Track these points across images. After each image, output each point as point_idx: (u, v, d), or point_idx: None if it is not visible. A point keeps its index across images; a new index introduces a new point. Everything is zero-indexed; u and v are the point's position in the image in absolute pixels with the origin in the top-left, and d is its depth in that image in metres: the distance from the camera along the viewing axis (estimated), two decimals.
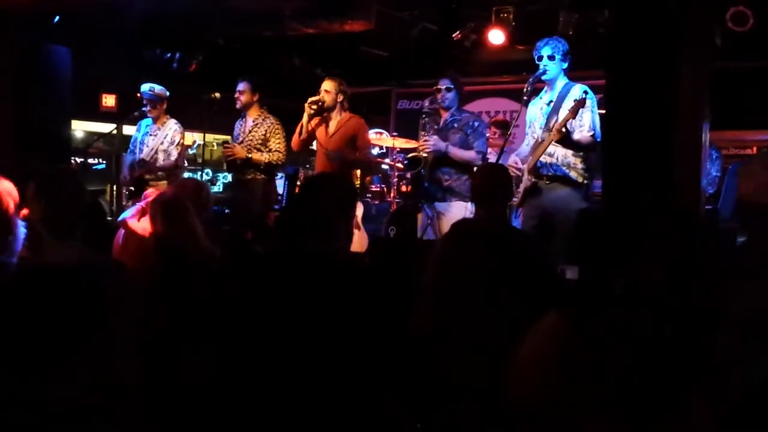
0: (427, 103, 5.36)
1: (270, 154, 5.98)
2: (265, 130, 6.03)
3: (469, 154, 5.13)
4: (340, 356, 2.46)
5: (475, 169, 5.04)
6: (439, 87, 5.25)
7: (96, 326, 1.46)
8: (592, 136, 4.64)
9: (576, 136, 4.61)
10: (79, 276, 1.51)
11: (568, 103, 4.70)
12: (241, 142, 6.08)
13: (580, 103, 4.51)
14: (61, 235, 2.40)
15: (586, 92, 4.66)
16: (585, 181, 4.78)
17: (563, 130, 4.51)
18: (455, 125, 5.24)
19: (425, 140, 5.15)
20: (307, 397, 2.35)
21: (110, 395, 1.47)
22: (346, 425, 2.33)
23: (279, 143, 6.02)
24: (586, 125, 4.63)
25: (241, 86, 6.09)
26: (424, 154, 5.16)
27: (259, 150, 5.99)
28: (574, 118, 4.55)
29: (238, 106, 6.11)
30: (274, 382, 2.43)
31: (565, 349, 1.58)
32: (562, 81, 4.87)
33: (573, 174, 4.75)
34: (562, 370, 1.54)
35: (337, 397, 2.37)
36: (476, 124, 5.25)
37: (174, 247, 3.15)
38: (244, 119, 6.20)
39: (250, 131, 6.07)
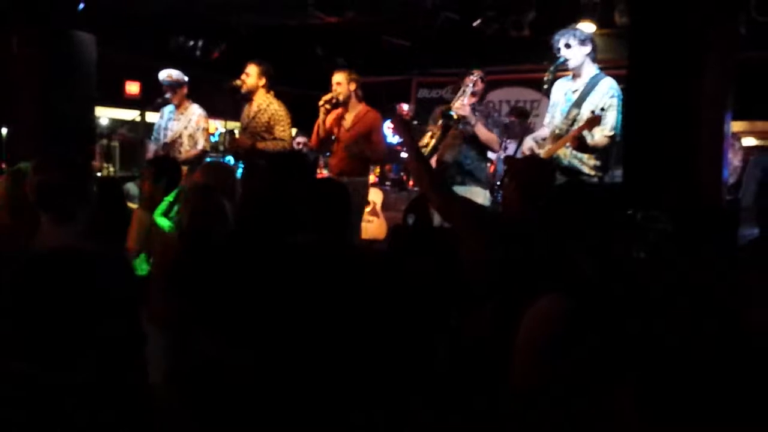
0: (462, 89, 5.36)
1: (275, 142, 5.82)
2: (269, 117, 5.85)
3: (493, 136, 5.23)
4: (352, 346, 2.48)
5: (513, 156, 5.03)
6: (482, 76, 5.32)
7: (81, 316, 1.44)
8: (611, 136, 4.61)
9: (596, 137, 4.59)
10: (65, 262, 1.49)
11: (593, 98, 4.66)
12: (245, 127, 5.96)
13: (595, 121, 4.50)
14: (56, 219, 2.39)
15: (612, 96, 4.63)
16: (596, 174, 4.75)
17: (579, 136, 4.51)
18: (476, 113, 5.32)
19: (462, 104, 5.17)
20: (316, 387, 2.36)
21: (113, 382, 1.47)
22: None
23: (284, 131, 5.86)
24: (608, 125, 4.60)
25: (248, 69, 5.92)
26: (457, 114, 5.15)
27: (262, 137, 5.84)
28: (589, 130, 4.54)
29: (243, 89, 5.92)
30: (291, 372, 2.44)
31: (561, 329, 1.58)
32: (590, 69, 4.79)
33: (585, 168, 4.74)
34: (557, 350, 1.55)
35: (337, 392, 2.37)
36: (495, 114, 5.47)
37: (198, 238, 3.18)
38: (249, 103, 6.02)
39: (253, 117, 5.91)
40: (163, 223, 3.67)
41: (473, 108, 5.27)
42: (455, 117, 5.14)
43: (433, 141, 5.20)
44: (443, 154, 5.33)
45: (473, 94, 5.28)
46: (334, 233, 3.09)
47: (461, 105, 5.18)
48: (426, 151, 5.18)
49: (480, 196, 5.15)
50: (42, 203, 2.46)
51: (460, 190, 5.17)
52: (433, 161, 5.33)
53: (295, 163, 4.28)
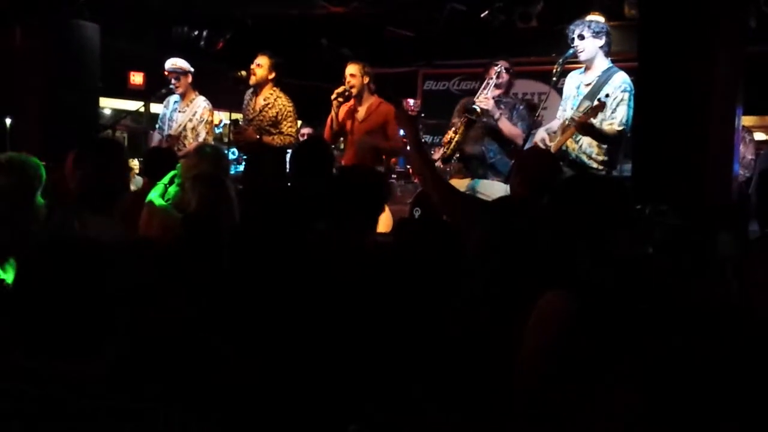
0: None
1: (282, 137, 5.80)
2: (277, 112, 5.81)
3: (516, 130, 5.17)
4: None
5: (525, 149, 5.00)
6: (507, 67, 5.28)
7: (113, 304, 1.42)
8: (621, 130, 4.57)
9: (604, 126, 4.55)
10: (95, 253, 1.46)
11: (606, 91, 4.62)
12: (251, 120, 5.91)
13: (599, 107, 4.45)
14: (94, 209, 2.38)
15: (624, 90, 4.58)
16: (604, 169, 4.71)
17: (587, 123, 4.47)
18: (501, 106, 5.27)
19: (485, 97, 5.14)
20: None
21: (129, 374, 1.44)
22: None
23: (291, 127, 5.83)
24: (618, 119, 4.56)
25: (260, 60, 5.85)
26: (480, 108, 5.14)
27: (269, 132, 5.80)
28: (594, 117, 4.50)
29: (252, 81, 5.85)
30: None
31: (564, 329, 1.55)
32: (603, 62, 4.76)
33: (593, 163, 4.71)
34: (559, 349, 1.52)
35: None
36: (520, 107, 5.38)
37: (205, 222, 3.16)
38: (254, 94, 5.97)
39: (260, 110, 5.86)
40: (162, 203, 3.65)
41: (498, 101, 5.23)
42: (478, 111, 5.10)
43: (457, 136, 5.19)
44: (466, 146, 5.29)
45: (497, 86, 5.24)
46: (346, 225, 3.04)
47: (484, 98, 5.14)
48: (450, 147, 5.18)
49: (501, 190, 5.11)
50: (85, 195, 2.44)
51: (482, 184, 5.13)
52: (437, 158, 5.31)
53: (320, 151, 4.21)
